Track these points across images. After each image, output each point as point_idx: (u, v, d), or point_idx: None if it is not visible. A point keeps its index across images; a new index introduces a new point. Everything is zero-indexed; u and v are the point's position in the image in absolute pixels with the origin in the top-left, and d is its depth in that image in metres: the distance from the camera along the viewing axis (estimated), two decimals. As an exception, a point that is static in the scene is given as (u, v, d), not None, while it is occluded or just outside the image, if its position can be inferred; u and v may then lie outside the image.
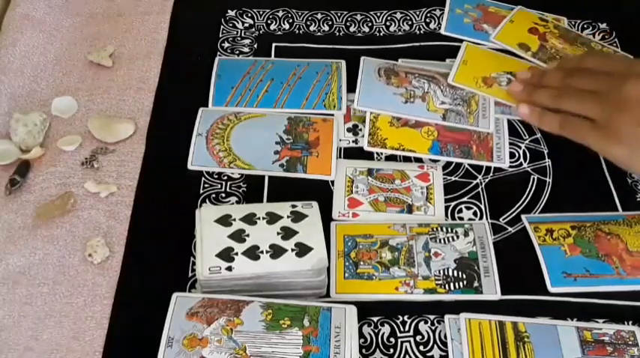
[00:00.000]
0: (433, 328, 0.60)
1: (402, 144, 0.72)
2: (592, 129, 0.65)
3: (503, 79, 0.76)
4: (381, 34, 0.84)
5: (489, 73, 0.77)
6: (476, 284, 0.62)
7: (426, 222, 0.66)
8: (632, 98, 0.63)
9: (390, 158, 0.72)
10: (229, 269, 0.57)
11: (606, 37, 0.83)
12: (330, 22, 0.85)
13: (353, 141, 0.73)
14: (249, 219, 0.60)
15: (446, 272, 0.62)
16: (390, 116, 0.73)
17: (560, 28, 0.83)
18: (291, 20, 0.84)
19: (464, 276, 0.62)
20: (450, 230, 0.65)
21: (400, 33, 0.84)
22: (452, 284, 0.62)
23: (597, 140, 0.65)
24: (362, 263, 0.63)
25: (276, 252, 0.58)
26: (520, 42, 0.81)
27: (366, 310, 0.60)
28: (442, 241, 0.65)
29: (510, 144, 0.73)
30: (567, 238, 0.64)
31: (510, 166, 0.71)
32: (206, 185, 0.69)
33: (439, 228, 0.65)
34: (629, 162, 0.64)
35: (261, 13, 0.85)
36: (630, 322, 0.60)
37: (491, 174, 0.71)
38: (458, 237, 0.65)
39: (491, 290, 0.61)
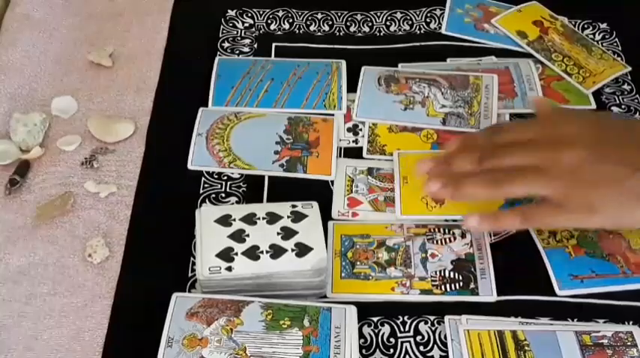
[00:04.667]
0: (433, 328, 0.60)
1: (401, 149, 0.71)
2: (557, 210, 0.58)
3: None
4: (382, 33, 0.84)
5: None
6: (472, 285, 0.62)
7: (424, 222, 0.66)
8: (576, 166, 0.57)
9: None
10: (229, 269, 0.57)
11: (607, 36, 0.83)
12: (330, 22, 0.84)
13: (353, 141, 0.73)
14: (249, 219, 0.60)
15: (442, 274, 0.62)
16: (389, 124, 0.73)
17: (567, 28, 0.83)
18: (291, 20, 0.84)
19: (460, 278, 0.62)
20: (447, 231, 0.65)
21: (400, 33, 0.84)
22: (448, 286, 0.62)
23: (571, 219, 0.59)
24: (359, 263, 0.63)
25: (276, 252, 0.58)
26: (519, 29, 0.81)
27: (364, 310, 0.59)
28: (439, 242, 0.64)
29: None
30: (571, 239, 0.64)
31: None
32: (206, 185, 0.69)
33: (436, 229, 0.65)
34: (615, 223, 0.60)
35: (261, 12, 0.85)
36: (631, 322, 0.60)
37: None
38: (455, 238, 0.65)
39: (488, 291, 0.61)
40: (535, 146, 0.60)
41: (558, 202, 0.58)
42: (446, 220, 0.66)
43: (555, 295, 0.61)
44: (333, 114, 0.74)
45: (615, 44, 0.82)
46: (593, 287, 0.61)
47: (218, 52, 0.81)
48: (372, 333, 0.60)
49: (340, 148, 0.72)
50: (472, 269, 0.63)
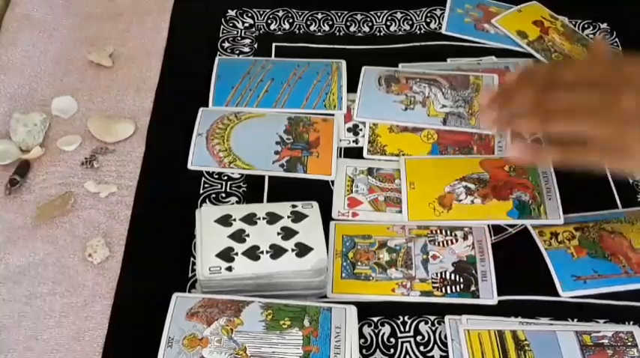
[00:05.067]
0: (433, 328, 0.60)
1: (402, 149, 0.72)
2: (602, 152, 0.57)
3: (461, 190, 0.68)
4: (382, 33, 0.84)
5: (442, 189, 0.68)
6: (473, 288, 0.62)
7: (426, 224, 0.66)
8: (632, 111, 0.55)
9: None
10: (229, 269, 0.57)
11: (607, 37, 0.83)
12: (330, 22, 0.84)
13: (353, 141, 0.73)
14: (250, 219, 0.60)
15: (443, 276, 0.62)
16: (389, 124, 0.73)
17: (568, 28, 0.83)
18: (291, 20, 0.84)
19: (461, 280, 0.62)
20: (449, 233, 0.65)
21: (401, 33, 0.84)
22: (449, 288, 0.62)
23: (614, 162, 0.58)
24: (359, 263, 0.63)
25: (277, 252, 0.58)
26: (519, 29, 0.81)
27: (365, 310, 0.59)
28: (441, 244, 0.64)
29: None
30: (572, 240, 0.64)
31: (511, 166, 0.71)
32: (206, 185, 0.69)
33: (438, 231, 0.65)
34: None
35: (261, 12, 0.85)
36: (631, 322, 0.60)
37: (491, 174, 0.71)
38: (457, 240, 0.65)
39: (488, 294, 0.61)
40: (596, 86, 0.57)
41: (605, 144, 0.56)
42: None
43: (556, 295, 0.61)
44: (333, 114, 0.74)
45: (615, 44, 0.82)
46: (596, 288, 0.61)
47: (218, 52, 0.81)
48: (372, 333, 0.60)
49: (340, 148, 0.72)
50: (473, 272, 0.62)
